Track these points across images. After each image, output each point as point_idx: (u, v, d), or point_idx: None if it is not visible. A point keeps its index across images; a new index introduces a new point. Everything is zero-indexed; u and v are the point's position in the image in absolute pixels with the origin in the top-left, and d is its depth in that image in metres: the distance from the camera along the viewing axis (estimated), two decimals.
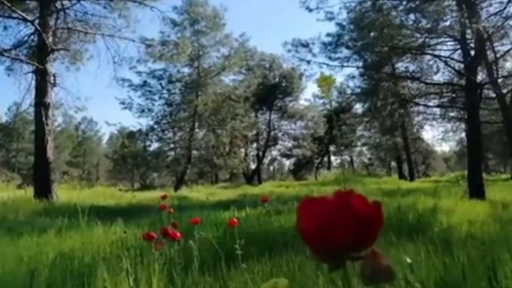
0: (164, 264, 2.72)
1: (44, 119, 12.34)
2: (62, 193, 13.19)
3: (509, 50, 13.15)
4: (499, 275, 2.30)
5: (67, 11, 14.07)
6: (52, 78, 12.96)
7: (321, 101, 36.08)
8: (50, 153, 12.43)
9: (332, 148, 38.04)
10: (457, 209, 6.16)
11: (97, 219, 5.29)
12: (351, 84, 17.16)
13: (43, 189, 11.84)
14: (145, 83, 25.76)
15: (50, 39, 12.97)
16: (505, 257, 2.45)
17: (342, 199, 0.47)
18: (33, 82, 13.07)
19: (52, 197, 11.81)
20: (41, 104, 12.43)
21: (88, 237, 4.40)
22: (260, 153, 33.49)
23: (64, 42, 14.46)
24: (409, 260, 2.31)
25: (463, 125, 21.74)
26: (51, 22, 13.42)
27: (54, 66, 13.54)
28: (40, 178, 12.24)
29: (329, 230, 0.46)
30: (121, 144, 30.94)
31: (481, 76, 12.94)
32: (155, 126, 26.10)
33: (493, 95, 15.96)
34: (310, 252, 0.48)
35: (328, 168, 38.33)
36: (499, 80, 15.46)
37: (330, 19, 12.21)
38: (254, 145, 33.72)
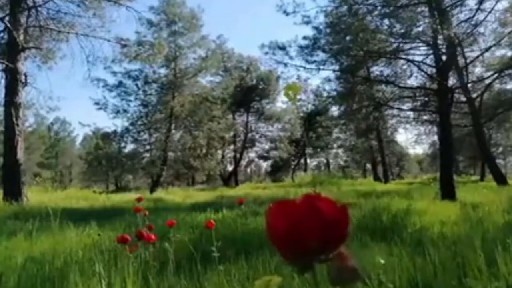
0: (138, 267, 2.69)
1: (14, 119, 11.97)
2: (33, 196, 12.82)
3: (478, 56, 13.63)
4: (468, 274, 2.37)
5: (39, 8, 13.68)
6: (23, 77, 12.59)
7: (298, 103, 36.42)
8: (20, 154, 12.07)
9: (308, 150, 38.38)
10: (429, 210, 6.30)
11: (69, 222, 5.17)
12: (327, 87, 17.41)
13: (12, 192, 11.48)
14: (120, 84, 25.39)
15: (21, 37, 12.59)
16: (474, 257, 2.52)
17: (310, 202, 0.48)
18: (3, 81, 12.67)
19: (22, 199, 11.47)
20: (11, 104, 12.05)
21: (60, 241, 4.29)
22: (237, 155, 33.46)
23: (36, 41, 14.08)
24: (382, 261, 2.36)
25: (435, 128, 22.38)
26: (22, 20, 13.02)
27: (25, 65, 13.15)
28: (10, 180, 11.87)
29: (297, 233, 0.47)
30: (95, 145, 30.31)
31: (452, 81, 13.33)
32: (131, 127, 25.73)
33: (464, 99, 16.53)
34: (279, 254, 0.49)
35: (305, 170, 38.63)
36: (469, 85, 16.02)
37: (307, 23, 12.32)
38: (231, 147, 33.67)
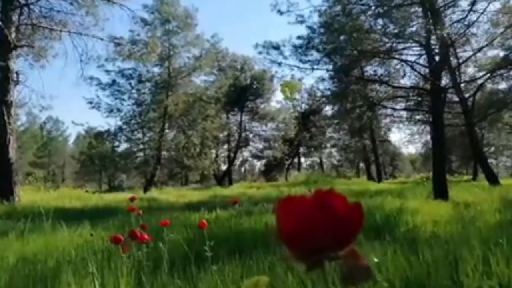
0: (132, 267, 2.67)
1: (6, 118, 11.88)
2: (25, 195, 12.71)
3: (470, 56, 13.71)
4: (461, 272, 2.39)
5: (31, 6, 13.56)
6: (15, 75, 12.50)
7: (292, 103, 36.52)
8: (12, 153, 11.97)
9: (302, 149, 38.44)
10: (422, 209, 6.33)
11: (62, 221, 5.13)
12: (321, 86, 17.41)
13: (4, 191, 11.39)
14: (114, 82, 25.26)
15: (13, 35, 12.49)
16: (466, 256, 2.54)
17: (321, 199, 0.46)
18: None
19: (14, 199, 11.39)
20: (2, 102, 11.96)
21: (53, 241, 4.26)
22: (231, 155, 33.42)
23: (28, 39, 13.95)
24: (376, 260, 2.36)
25: (428, 128, 22.48)
26: (14, 18, 12.91)
27: (17, 63, 13.09)
28: (1, 179, 11.77)
29: (308, 229, 0.45)
30: (88, 144, 30.13)
31: (445, 81, 13.40)
32: (124, 127, 25.59)
33: (456, 99, 16.64)
34: (288, 251, 0.47)
35: (298, 169, 38.70)
36: (462, 85, 16.12)
37: (301, 22, 12.35)
38: (225, 146, 33.62)
